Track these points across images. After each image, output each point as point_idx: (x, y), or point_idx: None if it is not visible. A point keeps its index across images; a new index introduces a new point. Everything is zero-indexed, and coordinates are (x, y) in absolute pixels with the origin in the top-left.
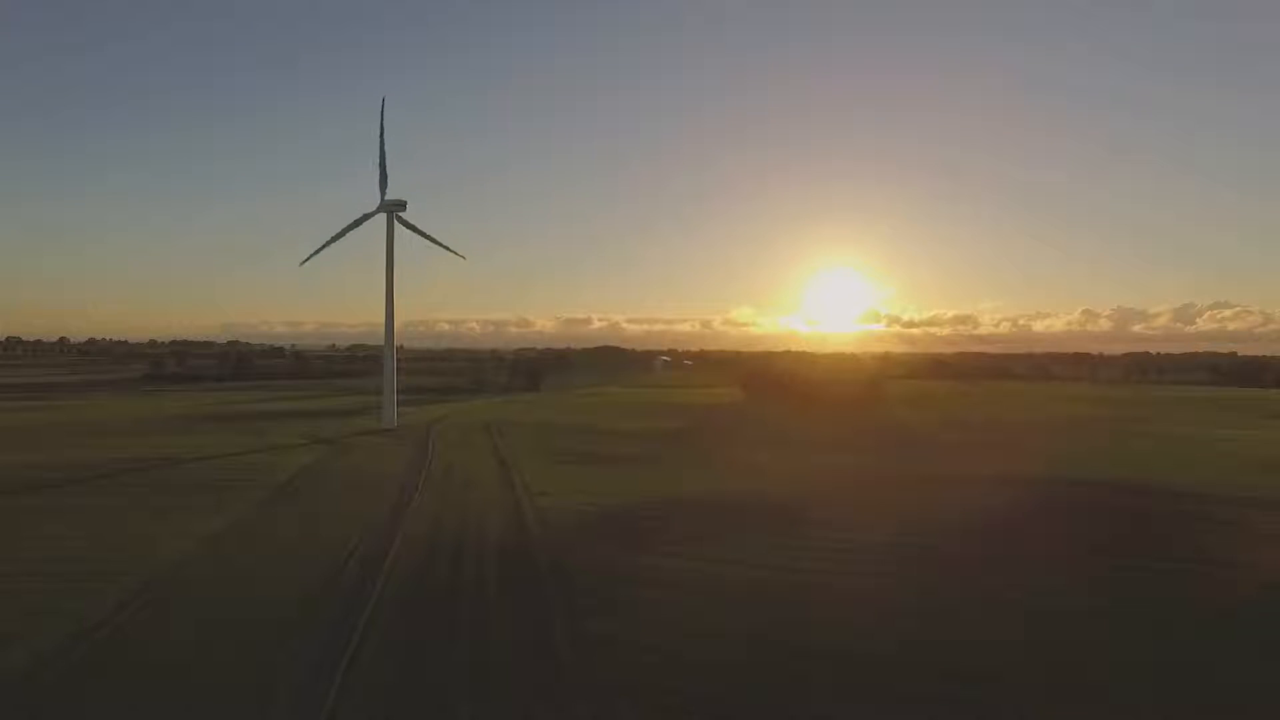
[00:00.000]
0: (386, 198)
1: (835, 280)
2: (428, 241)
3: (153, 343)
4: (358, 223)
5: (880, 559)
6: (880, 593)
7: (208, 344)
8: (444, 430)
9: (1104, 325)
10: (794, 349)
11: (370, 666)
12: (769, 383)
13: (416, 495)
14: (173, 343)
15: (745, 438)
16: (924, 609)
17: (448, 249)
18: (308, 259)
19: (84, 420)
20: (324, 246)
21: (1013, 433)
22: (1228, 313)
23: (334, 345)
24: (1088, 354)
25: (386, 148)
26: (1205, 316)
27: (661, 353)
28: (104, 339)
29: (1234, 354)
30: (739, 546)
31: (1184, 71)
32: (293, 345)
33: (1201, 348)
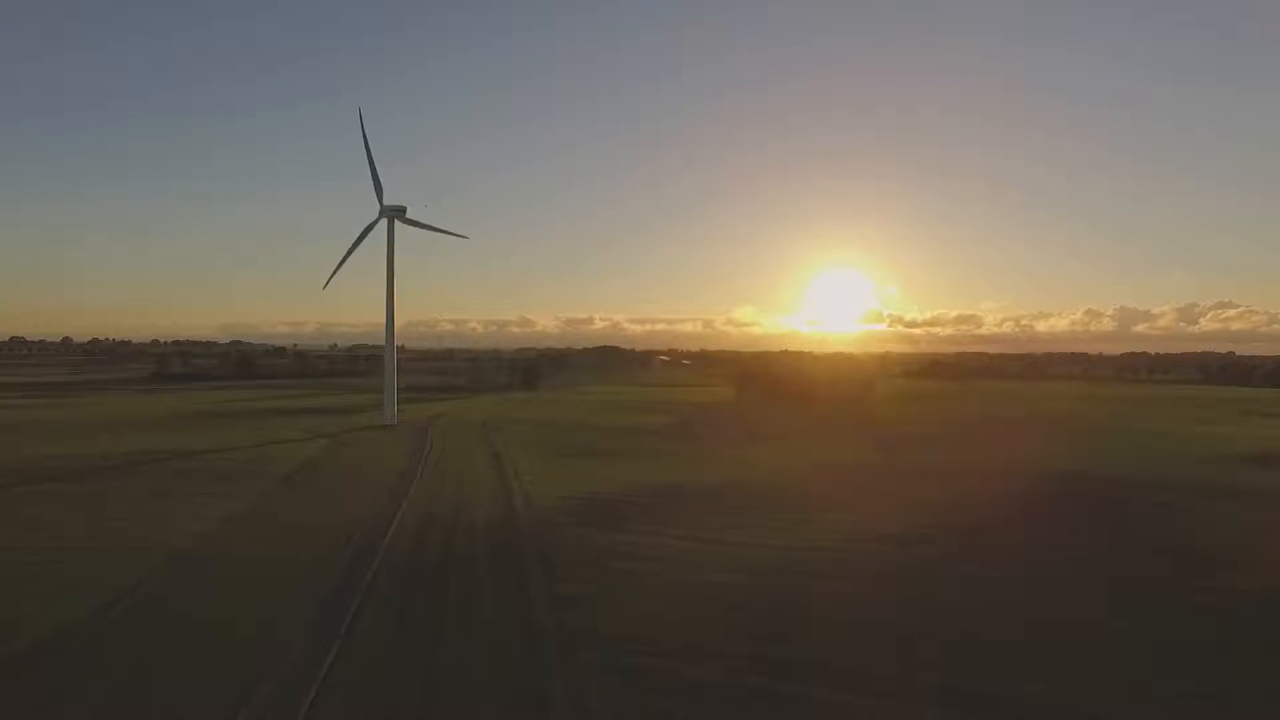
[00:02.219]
0: (385, 204)
1: (838, 280)
2: (434, 232)
3: (155, 342)
4: (364, 234)
5: (836, 535)
6: (830, 563)
7: (210, 344)
8: (442, 426)
9: (1107, 325)
10: (795, 349)
11: (371, 617)
12: (760, 382)
13: (414, 484)
14: (175, 343)
15: (731, 433)
16: (863, 574)
17: (451, 234)
18: (329, 280)
19: (100, 417)
20: (340, 264)
21: (989, 429)
22: (1232, 313)
23: (335, 345)
24: (1084, 354)
25: (374, 155)
26: (1209, 316)
27: (660, 353)
28: (107, 339)
29: (1232, 354)
30: (705, 526)
31: (1188, 71)
32: (294, 345)
33: (1205, 348)
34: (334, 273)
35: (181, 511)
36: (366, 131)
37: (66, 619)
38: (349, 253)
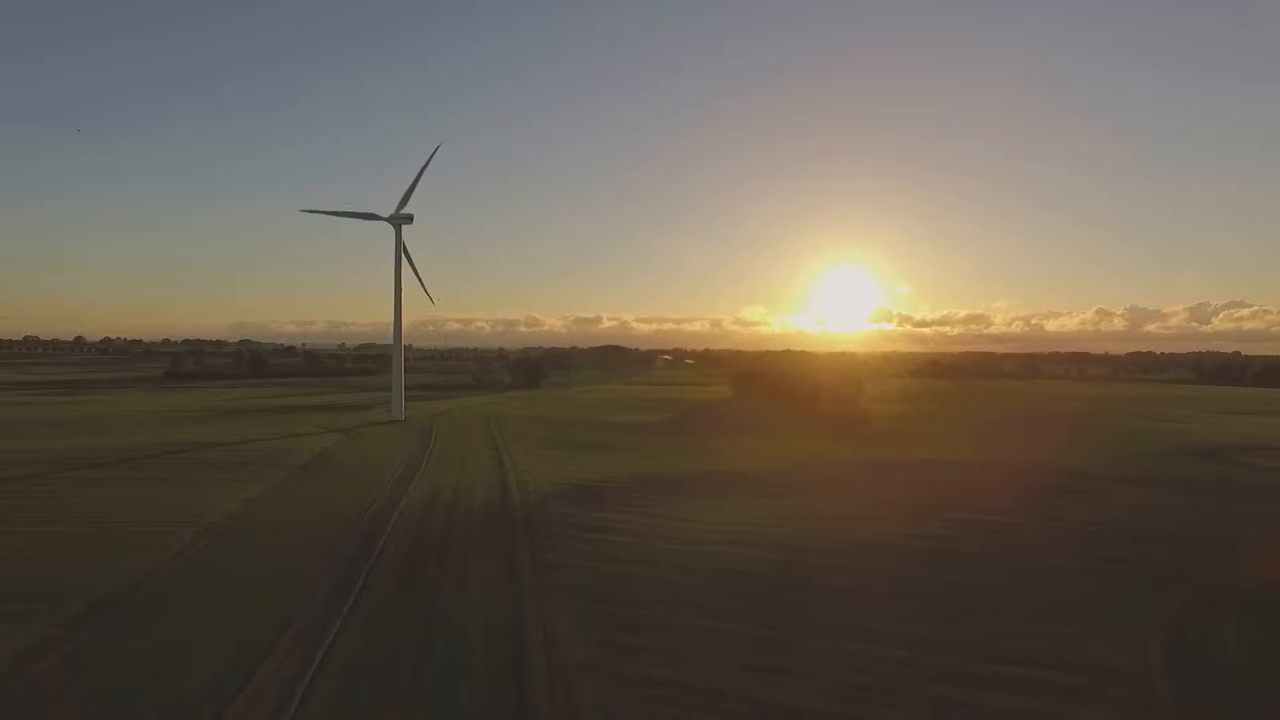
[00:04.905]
0: (400, 210)
1: (847, 279)
2: (409, 268)
3: (166, 341)
4: (365, 216)
5: (793, 516)
6: (781, 536)
7: (220, 343)
8: (446, 422)
9: (1118, 325)
10: (801, 348)
11: (383, 575)
12: (757, 380)
13: (420, 472)
14: (185, 342)
15: (721, 429)
16: (808, 545)
17: (423, 287)
18: (311, 210)
19: (124, 413)
20: (330, 213)
21: (965, 425)
22: (1244, 312)
23: (343, 344)
24: (1085, 353)
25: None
26: (1221, 316)
27: (664, 352)
28: (119, 338)
29: (1238, 353)
30: (678, 507)
31: (1200, 70)
32: (303, 344)
33: (1217, 347)
34: (318, 211)
35: (212, 494)
36: (430, 163)
37: (132, 574)
38: (341, 214)
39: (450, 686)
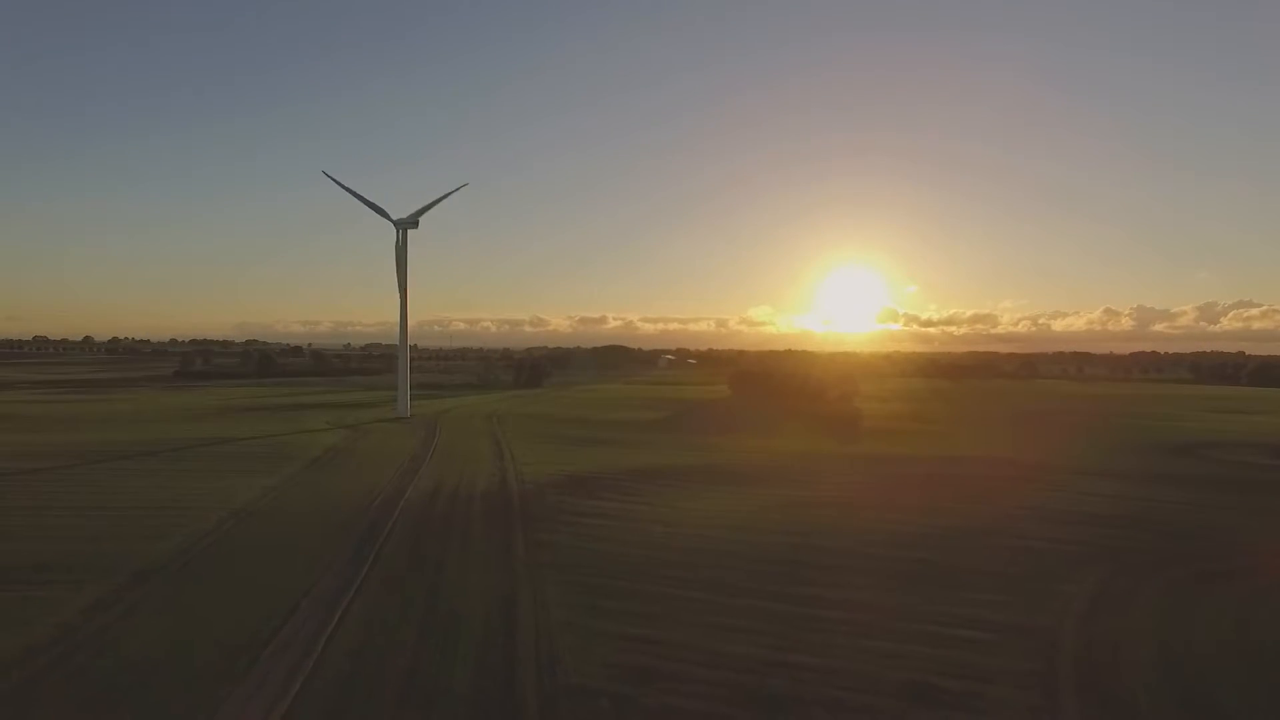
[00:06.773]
0: (396, 219)
1: (854, 279)
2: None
3: (174, 341)
4: (375, 208)
5: (769, 505)
6: (754, 521)
7: (226, 343)
8: (450, 419)
9: (1125, 324)
10: (807, 348)
11: (389, 555)
12: (755, 380)
13: (425, 464)
14: (192, 341)
15: (716, 426)
16: (777, 528)
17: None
18: (331, 176)
19: (140, 410)
20: (347, 188)
21: (952, 424)
22: (1254, 311)
23: (349, 344)
24: (1087, 353)
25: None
26: (1230, 316)
27: (667, 352)
28: (126, 338)
29: (1241, 353)
30: (663, 496)
31: (1209, 69)
32: (309, 344)
33: (1225, 347)
34: (338, 182)
35: (233, 483)
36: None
37: (168, 551)
38: (355, 194)
39: (451, 637)
